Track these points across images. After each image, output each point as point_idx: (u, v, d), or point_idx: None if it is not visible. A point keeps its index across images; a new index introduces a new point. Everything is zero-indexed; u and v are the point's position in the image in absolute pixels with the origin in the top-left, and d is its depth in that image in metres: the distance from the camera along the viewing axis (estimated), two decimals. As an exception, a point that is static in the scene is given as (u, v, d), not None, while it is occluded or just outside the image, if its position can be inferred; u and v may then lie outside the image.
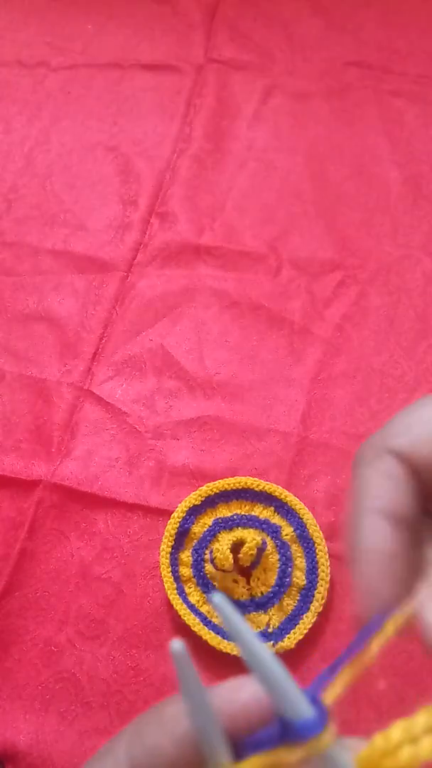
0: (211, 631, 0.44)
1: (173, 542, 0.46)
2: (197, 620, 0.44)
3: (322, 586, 0.44)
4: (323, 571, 0.45)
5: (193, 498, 0.46)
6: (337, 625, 0.45)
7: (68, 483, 0.49)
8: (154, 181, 0.61)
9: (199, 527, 0.46)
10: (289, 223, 0.58)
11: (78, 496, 0.49)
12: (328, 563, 0.45)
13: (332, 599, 0.45)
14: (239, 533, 0.45)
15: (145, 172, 0.61)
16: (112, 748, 0.18)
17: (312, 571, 0.45)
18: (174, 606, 0.44)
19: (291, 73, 0.65)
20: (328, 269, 0.56)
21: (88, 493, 0.49)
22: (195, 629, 0.44)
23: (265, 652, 0.16)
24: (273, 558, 0.45)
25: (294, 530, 0.46)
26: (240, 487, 0.47)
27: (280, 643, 0.43)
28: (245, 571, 0.45)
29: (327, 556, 0.45)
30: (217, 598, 0.16)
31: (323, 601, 0.44)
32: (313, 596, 0.44)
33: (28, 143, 0.64)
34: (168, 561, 0.45)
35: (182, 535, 0.46)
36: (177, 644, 0.15)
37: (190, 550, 0.46)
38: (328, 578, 0.45)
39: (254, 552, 0.44)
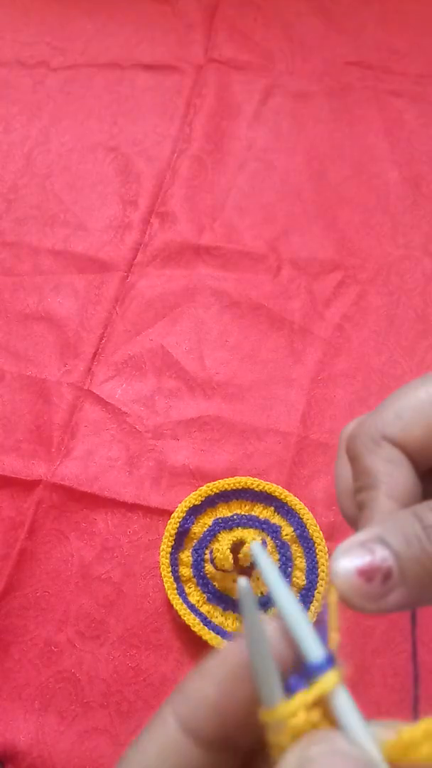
0: (211, 631, 0.44)
1: (173, 542, 0.46)
2: (197, 620, 0.44)
3: (322, 586, 0.44)
4: (323, 571, 0.45)
5: (193, 498, 0.46)
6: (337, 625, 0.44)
7: (68, 483, 0.49)
8: (154, 181, 0.61)
9: (199, 527, 0.46)
10: (289, 223, 0.58)
11: (78, 496, 0.49)
12: (328, 563, 0.45)
13: (332, 599, 0.45)
14: (239, 533, 0.45)
15: (145, 172, 0.61)
16: (158, 713, 0.18)
17: (312, 571, 0.45)
18: (174, 606, 0.44)
19: (291, 73, 0.65)
20: (328, 269, 0.56)
21: (88, 493, 0.49)
22: (195, 629, 0.44)
23: (292, 601, 0.18)
24: (273, 558, 0.45)
25: (294, 530, 0.46)
26: (240, 487, 0.47)
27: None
28: (245, 571, 0.45)
29: (327, 556, 0.45)
30: (255, 545, 0.19)
31: (323, 601, 0.44)
32: (313, 596, 0.44)
33: (28, 143, 0.64)
34: (168, 561, 0.45)
35: (182, 535, 0.46)
36: (243, 581, 0.17)
37: (190, 550, 0.46)
38: (328, 578, 0.45)
39: (254, 552, 0.44)
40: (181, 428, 0.51)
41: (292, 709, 0.16)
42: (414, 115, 0.62)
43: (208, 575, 0.45)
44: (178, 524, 0.46)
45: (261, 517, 0.46)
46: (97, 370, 0.53)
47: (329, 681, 0.17)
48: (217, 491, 0.47)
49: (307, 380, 0.52)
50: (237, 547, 0.45)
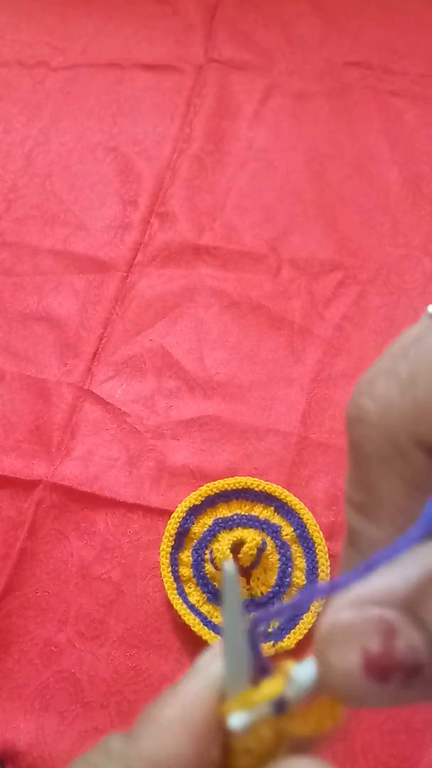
0: (211, 631, 0.44)
1: (173, 542, 0.46)
2: (197, 620, 0.44)
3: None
4: (323, 571, 0.45)
5: (193, 498, 0.46)
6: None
7: (68, 483, 0.49)
8: (154, 181, 0.61)
9: (199, 527, 0.46)
10: (289, 223, 0.58)
11: (78, 496, 0.49)
12: (328, 563, 0.45)
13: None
14: (239, 533, 0.45)
15: (145, 172, 0.61)
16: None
17: (312, 571, 0.45)
18: (174, 606, 0.44)
19: (291, 73, 0.65)
20: (328, 269, 0.56)
21: (88, 493, 0.49)
22: (195, 629, 0.44)
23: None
24: (273, 558, 0.45)
25: (294, 530, 0.46)
26: (240, 487, 0.47)
27: (280, 643, 0.43)
28: (245, 572, 0.45)
29: (327, 556, 0.45)
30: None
31: (323, 601, 0.44)
32: (313, 596, 0.44)
33: (28, 143, 0.64)
34: (168, 561, 0.45)
35: (182, 535, 0.46)
36: (229, 564, 0.15)
37: (190, 550, 0.46)
38: (328, 578, 0.45)
39: (254, 552, 0.44)
40: (181, 428, 0.51)
41: (255, 697, 0.15)
42: (414, 115, 0.62)
43: (208, 575, 0.45)
44: (178, 524, 0.46)
45: (261, 517, 0.46)
46: (97, 370, 0.53)
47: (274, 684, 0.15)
48: (217, 491, 0.47)
49: (307, 380, 0.52)
50: (237, 547, 0.45)
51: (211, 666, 0.15)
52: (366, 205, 0.59)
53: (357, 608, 0.12)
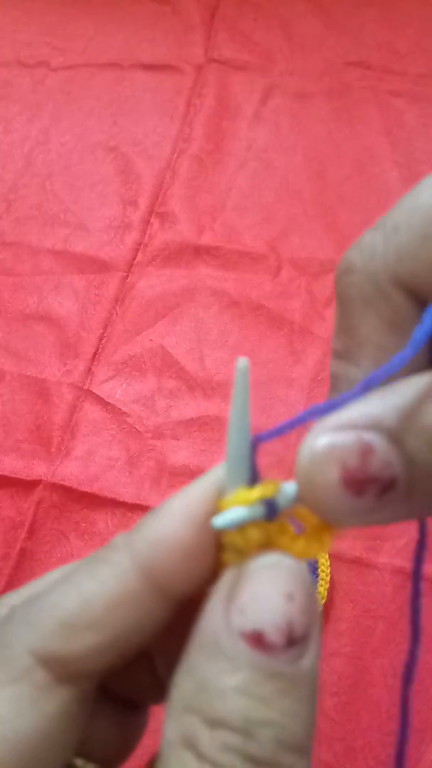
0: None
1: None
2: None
3: (322, 586, 0.44)
4: (323, 571, 0.45)
5: (193, 498, 0.46)
6: (337, 625, 0.45)
7: (68, 483, 0.49)
8: (154, 181, 0.61)
9: (199, 527, 0.46)
10: (289, 223, 0.58)
11: (78, 496, 0.49)
12: (328, 563, 0.45)
13: (332, 599, 0.45)
14: (239, 533, 0.45)
15: (145, 172, 0.61)
16: (107, 550, 0.17)
17: (312, 571, 0.45)
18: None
19: (291, 73, 0.65)
20: (328, 269, 0.56)
21: (88, 493, 0.49)
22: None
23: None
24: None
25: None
26: (240, 487, 0.47)
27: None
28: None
29: (327, 556, 0.45)
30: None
31: (323, 601, 0.44)
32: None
33: (28, 143, 0.64)
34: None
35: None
36: (243, 362, 0.16)
37: (190, 550, 0.46)
38: (328, 578, 0.45)
39: (254, 552, 0.44)
40: (181, 428, 0.51)
41: (250, 495, 0.16)
42: (414, 115, 0.62)
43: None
44: (178, 524, 0.46)
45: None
46: (97, 370, 0.53)
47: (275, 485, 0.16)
48: (217, 491, 0.47)
49: (307, 380, 0.52)
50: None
51: (215, 472, 0.16)
52: (366, 205, 0.59)
53: (337, 430, 0.14)
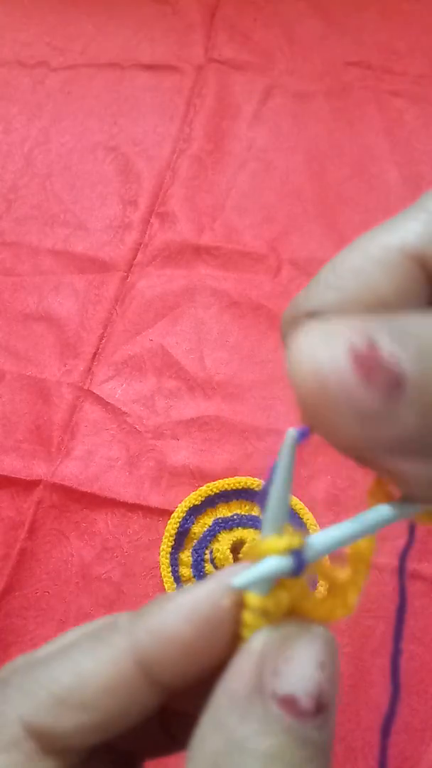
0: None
1: (173, 542, 0.46)
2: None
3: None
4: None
5: (193, 498, 0.46)
6: (337, 625, 0.45)
7: (68, 483, 0.49)
8: (154, 181, 0.61)
9: (199, 527, 0.46)
10: (289, 223, 0.58)
11: (78, 496, 0.49)
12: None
13: (332, 599, 0.45)
14: (239, 533, 0.45)
15: (145, 172, 0.61)
16: (107, 630, 0.17)
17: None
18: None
19: (291, 73, 0.65)
20: (328, 269, 0.56)
21: (88, 493, 0.49)
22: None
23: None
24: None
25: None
26: (240, 487, 0.47)
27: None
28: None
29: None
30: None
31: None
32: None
33: (28, 143, 0.64)
34: (168, 561, 0.45)
35: (182, 535, 0.46)
36: (292, 433, 0.16)
37: (190, 550, 0.46)
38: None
39: (254, 552, 0.44)
40: (181, 428, 0.51)
41: (276, 545, 0.16)
42: (414, 115, 0.62)
43: (208, 575, 0.45)
44: (178, 524, 0.46)
45: (261, 517, 0.46)
46: (97, 370, 0.53)
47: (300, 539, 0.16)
48: (217, 491, 0.47)
49: (307, 380, 0.52)
50: (237, 547, 0.45)
51: (226, 574, 0.16)
52: (366, 205, 0.59)
53: (340, 315, 0.13)
